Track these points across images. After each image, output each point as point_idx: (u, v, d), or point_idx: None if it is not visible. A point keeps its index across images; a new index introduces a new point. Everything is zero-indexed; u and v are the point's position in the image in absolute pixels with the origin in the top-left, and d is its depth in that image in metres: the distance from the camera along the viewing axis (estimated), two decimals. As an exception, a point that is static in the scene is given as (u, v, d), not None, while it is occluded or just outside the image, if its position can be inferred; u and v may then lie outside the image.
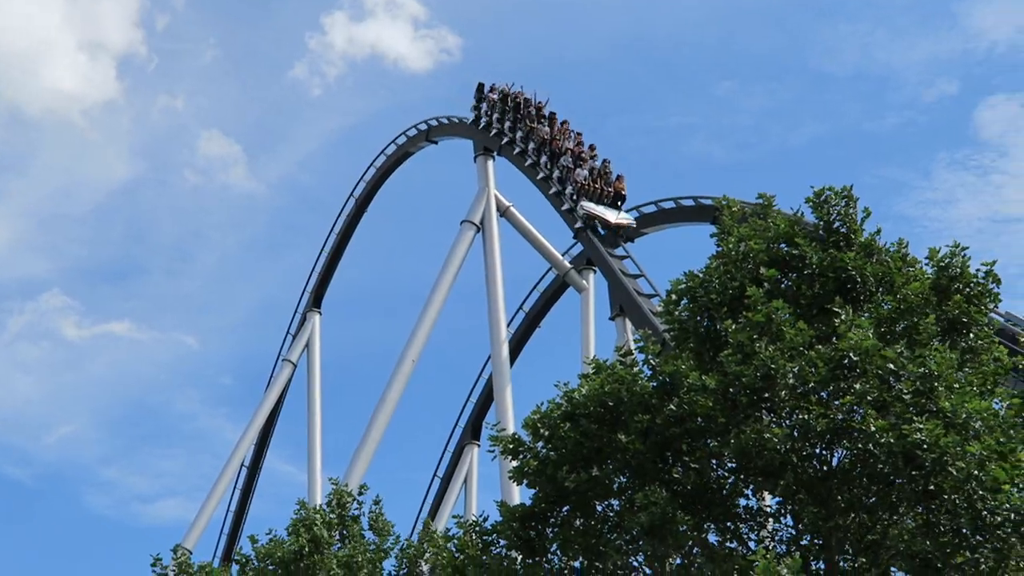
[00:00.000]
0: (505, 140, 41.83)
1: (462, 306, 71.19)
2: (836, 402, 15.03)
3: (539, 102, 42.60)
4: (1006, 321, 30.65)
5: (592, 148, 39.79)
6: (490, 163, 43.83)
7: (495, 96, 43.75)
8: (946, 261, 17.42)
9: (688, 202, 38.96)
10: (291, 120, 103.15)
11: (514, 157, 42.49)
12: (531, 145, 40.21)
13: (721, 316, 16.78)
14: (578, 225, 36.12)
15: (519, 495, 27.88)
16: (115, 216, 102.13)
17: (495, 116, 43.08)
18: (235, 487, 54.43)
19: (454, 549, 17.98)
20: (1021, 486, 14.47)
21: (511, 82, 44.23)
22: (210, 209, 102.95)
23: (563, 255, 44.37)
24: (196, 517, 48.10)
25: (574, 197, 37.11)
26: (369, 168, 52.02)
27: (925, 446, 14.19)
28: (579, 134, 40.53)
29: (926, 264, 17.72)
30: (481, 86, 44.75)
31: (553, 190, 38.91)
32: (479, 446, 49.37)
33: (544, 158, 39.36)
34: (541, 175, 39.96)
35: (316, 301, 53.55)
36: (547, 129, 40.30)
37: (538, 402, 17.40)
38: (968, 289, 17.33)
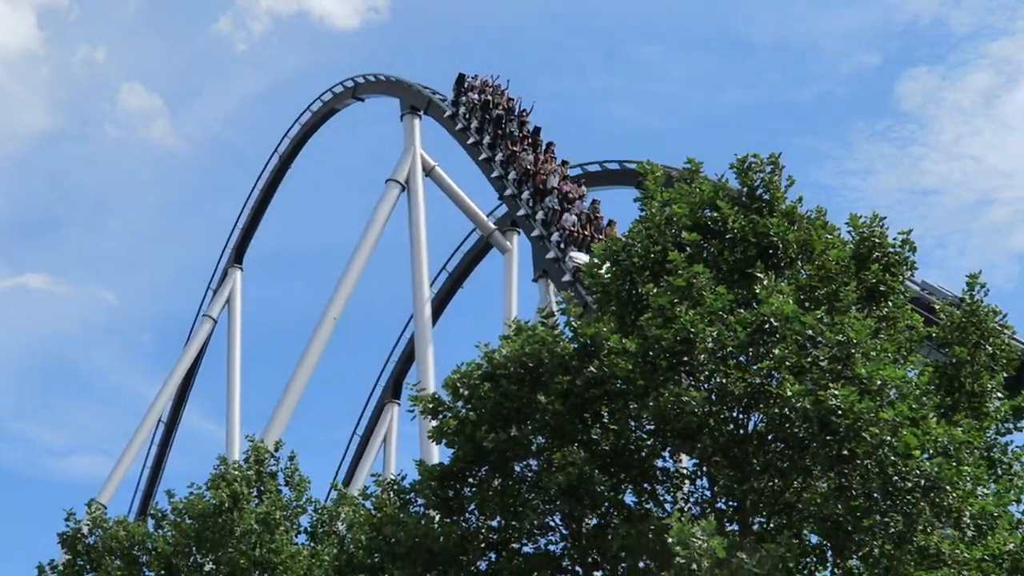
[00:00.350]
0: (482, 156, 38.46)
1: (385, 265, 71.00)
2: (754, 367, 15.17)
3: (523, 110, 39.34)
4: (922, 290, 31.18)
5: (580, 183, 35.54)
6: (416, 122, 43.60)
7: (475, 97, 40.30)
8: (865, 230, 17.73)
9: (613, 166, 39.08)
10: (215, 75, 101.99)
11: (443, 119, 42.26)
12: (512, 174, 36.60)
13: (643, 280, 16.87)
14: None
15: (438, 455, 27.91)
16: (34, 168, 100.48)
17: (474, 124, 39.71)
18: (152, 443, 54.03)
19: (371, 507, 17.97)
20: (931, 453, 14.73)
21: (494, 75, 41.24)
22: (131, 163, 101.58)
23: (488, 216, 44.35)
24: (111, 472, 47.70)
25: (561, 246, 33.10)
26: (294, 125, 51.56)
27: (840, 412, 14.38)
28: (564, 164, 36.44)
29: (846, 231, 17.98)
30: (461, 78, 41.65)
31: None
32: (399, 405, 49.39)
33: (527, 192, 35.50)
34: (471, 140, 39.15)
35: (238, 257, 53.12)
36: (531, 157, 36.28)
37: (459, 362, 17.43)
38: (886, 258, 17.66)
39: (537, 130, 38.45)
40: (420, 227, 40.55)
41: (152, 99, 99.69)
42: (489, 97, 39.82)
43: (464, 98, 40.82)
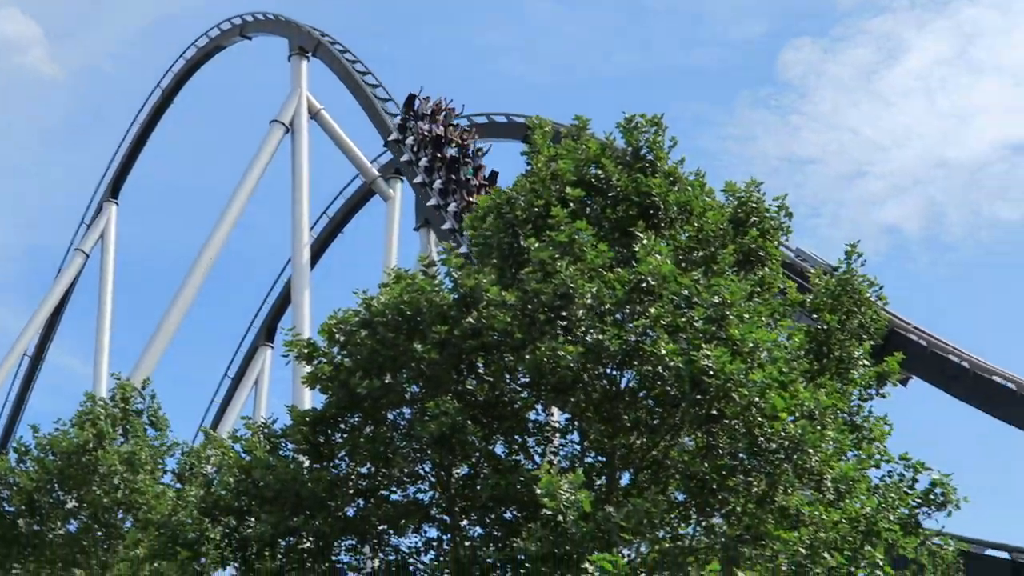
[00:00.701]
0: (431, 202, 35.84)
1: (266, 207, 70.27)
2: (630, 325, 15.31)
3: (479, 149, 37.13)
4: (796, 256, 31.81)
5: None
6: (304, 63, 43.07)
7: (425, 128, 37.68)
8: (743, 195, 18.09)
9: (500, 119, 39.10)
10: (98, 6, 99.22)
11: (332, 60, 41.74)
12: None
13: (525, 233, 16.90)
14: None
15: (310, 400, 27.79)
16: None
17: (423, 161, 37.13)
18: (15, 377, 52.87)
19: (240, 450, 17.80)
20: (797, 416, 15.05)
21: (447, 98, 38.90)
22: (5, 91, 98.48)
23: (372, 163, 44.07)
24: (-28, 405, 46.63)
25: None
26: (178, 60, 50.55)
27: (712, 372, 14.60)
28: None
29: (723, 197, 18.27)
30: (411, 99, 39.45)
31: (376, 103, 37.22)
32: (272, 349, 49.06)
33: None
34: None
35: (114, 192, 52.06)
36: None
37: (336, 308, 17.30)
38: (763, 222, 18.01)
39: (494, 175, 36.08)
40: (303, 170, 40.16)
41: (29, 25, 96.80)
42: (441, 131, 37.38)
43: (413, 124, 38.66)
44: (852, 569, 15.36)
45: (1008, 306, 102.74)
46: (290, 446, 17.38)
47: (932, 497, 17.10)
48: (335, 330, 17.04)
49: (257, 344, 49.26)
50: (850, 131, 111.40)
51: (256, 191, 41.18)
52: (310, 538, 16.80)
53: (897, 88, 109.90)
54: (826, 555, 14.93)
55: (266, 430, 17.74)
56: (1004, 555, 27.15)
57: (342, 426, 17.15)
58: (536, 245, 16.07)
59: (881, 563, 15.48)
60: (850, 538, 15.22)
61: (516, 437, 16.88)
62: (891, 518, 15.92)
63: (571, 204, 16.86)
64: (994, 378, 30.88)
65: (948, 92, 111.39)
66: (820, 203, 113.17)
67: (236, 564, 17.17)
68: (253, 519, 16.93)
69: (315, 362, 17.28)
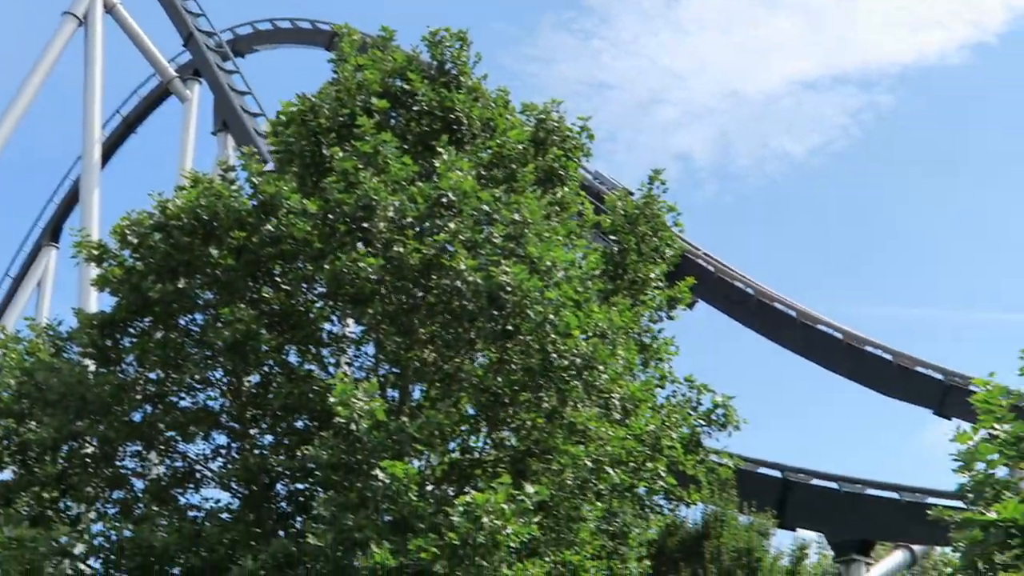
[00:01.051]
0: None
1: (55, 102, 67.51)
2: (430, 238, 15.35)
3: None
4: (594, 179, 32.36)
5: None
6: (99, -47, 41.32)
7: None
8: (544, 115, 18.28)
9: (305, 24, 38.40)
10: None
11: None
12: None
13: (329, 142, 16.70)
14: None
15: (98, 303, 27.09)
16: None
17: None
18: None
19: (24, 350, 17.24)
20: (589, 334, 15.37)
21: None
22: None
23: (169, 62, 42.77)
24: None
25: None
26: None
27: (509, 288, 14.77)
28: None
29: (524, 117, 18.40)
30: None
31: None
32: (58, 249, 47.50)
33: None
34: None
35: None
36: None
37: (128, 210, 16.82)
38: (564, 142, 18.23)
39: None
40: (96, 66, 38.72)
41: None
42: None
43: None
44: (635, 482, 15.93)
45: (791, 237, 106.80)
46: (76, 349, 16.95)
47: (714, 418, 17.82)
48: (127, 232, 16.59)
49: (41, 244, 47.60)
50: (649, 59, 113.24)
51: (46, 85, 39.58)
52: (94, 443, 16.48)
53: (695, 19, 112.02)
54: (610, 470, 15.41)
55: (51, 332, 17.23)
56: (776, 473, 28.56)
57: (131, 330, 16.79)
58: (340, 155, 15.90)
59: (663, 474, 16.09)
60: (635, 453, 15.72)
61: (310, 347, 16.82)
62: (674, 436, 16.51)
63: (376, 115, 16.72)
64: (776, 305, 32.22)
65: (744, 26, 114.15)
66: (617, 128, 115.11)
67: (15, 468, 16.68)
68: (34, 422, 16.46)
69: (105, 264, 16.82)
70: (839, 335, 31.48)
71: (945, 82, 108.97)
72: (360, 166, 15.60)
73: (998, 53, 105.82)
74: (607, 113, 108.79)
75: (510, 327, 15.04)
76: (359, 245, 15.74)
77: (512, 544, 13.89)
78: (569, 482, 15.30)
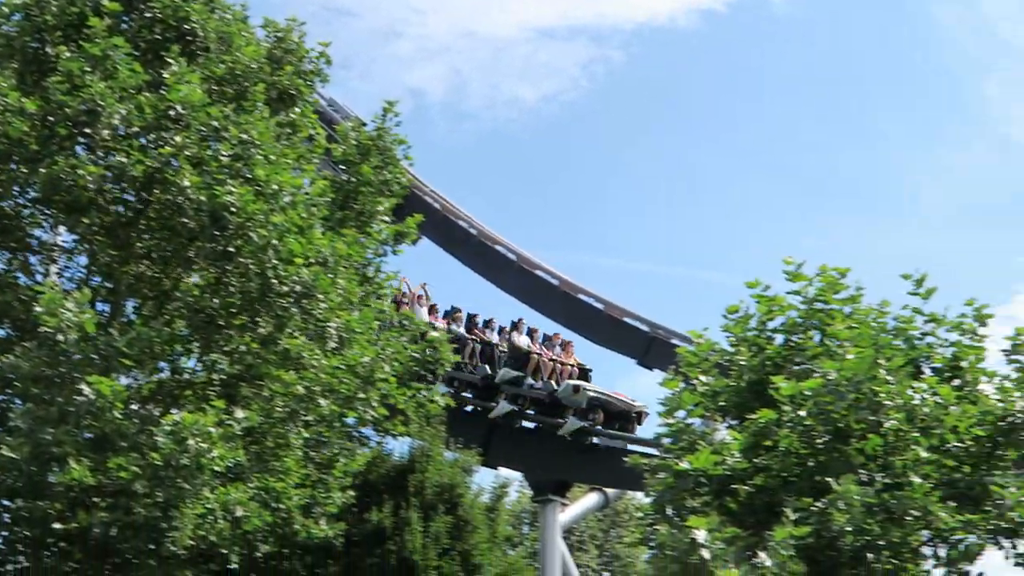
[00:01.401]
0: None
1: None
2: (155, 151, 14.91)
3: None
4: (329, 106, 31.99)
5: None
6: None
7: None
8: (283, 33, 18.00)
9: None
10: None
11: None
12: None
13: (55, 40, 15.91)
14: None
15: None
16: None
17: None
18: None
19: None
20: (312, 262, 15.31)
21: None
22: None
23: None
24: None
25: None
26: None
27: (233, 209, 14.54)
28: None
29: (263, 33, 18.06)
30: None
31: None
32: None
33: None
34: None
35: None
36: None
37: None
38: (301, 63, 18.00)
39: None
40: None
41: None
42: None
43: None
44: (345, 412, 16.03)
45: (517, 181, 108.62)
46: None
47: (428, 354, 18.19)
48: None
49: None
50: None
51: None
52: None
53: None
54: (321, 400, 15.46)
55: None
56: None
57: None
58: (67, 55, 15.18)
59: (375, 406, 16.24)
60: (347, 383, 15.80)
61: (18, 253, 16.14)
62: (387, 368, 16.66)
63: (107, 17, 16.01)
64: (497, 247, 32.73)
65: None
66: (353, 55, 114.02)
67: None
68: None
69: None
70: (556, 281, 32.25)
71: (673, 43, 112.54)
72: (87, 69, 14.94)
73: (725, 19, 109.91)
74: (345, 39, 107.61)
75: (231, 248, 14.83)
76: (79, 151, 15.15)
77: (217, 468, 13.82)
78: (279, 410, 15.27)
